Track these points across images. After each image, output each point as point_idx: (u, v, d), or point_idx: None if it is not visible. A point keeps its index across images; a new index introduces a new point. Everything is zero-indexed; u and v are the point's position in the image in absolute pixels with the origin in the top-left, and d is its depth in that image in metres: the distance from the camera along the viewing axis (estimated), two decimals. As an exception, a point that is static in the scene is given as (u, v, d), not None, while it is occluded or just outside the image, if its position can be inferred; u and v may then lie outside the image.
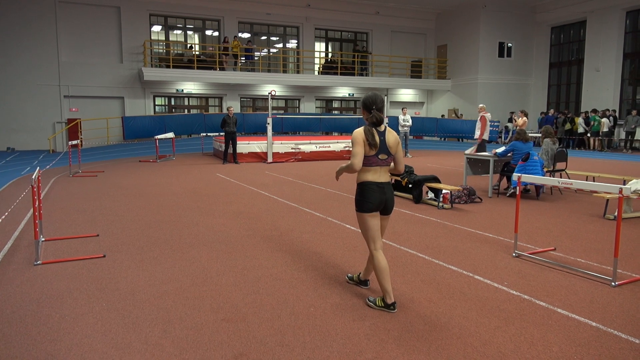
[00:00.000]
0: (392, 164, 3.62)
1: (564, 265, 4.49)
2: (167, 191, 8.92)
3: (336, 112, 25.85)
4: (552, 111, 21.79)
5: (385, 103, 16.60)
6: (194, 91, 21.92)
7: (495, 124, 12.35)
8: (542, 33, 23.85)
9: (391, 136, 3.50)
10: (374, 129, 3.43)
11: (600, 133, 18.93)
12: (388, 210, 3.58)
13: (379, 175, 3.49)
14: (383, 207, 3.53)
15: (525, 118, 13.69)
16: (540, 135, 10.00)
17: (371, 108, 3.45)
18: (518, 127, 11.65)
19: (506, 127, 22.21)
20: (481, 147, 11.44)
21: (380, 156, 3.45)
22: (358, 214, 3.54)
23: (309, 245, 5.21)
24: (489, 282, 4.08)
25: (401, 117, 16.43)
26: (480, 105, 12.15)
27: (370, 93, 3.52)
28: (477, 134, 12.02)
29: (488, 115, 11.99)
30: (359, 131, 3.43)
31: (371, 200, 3.45)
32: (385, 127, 3.51)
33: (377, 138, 3.40)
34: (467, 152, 9.74)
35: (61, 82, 19.28)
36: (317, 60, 24.71)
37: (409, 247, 5.13)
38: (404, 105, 22.47)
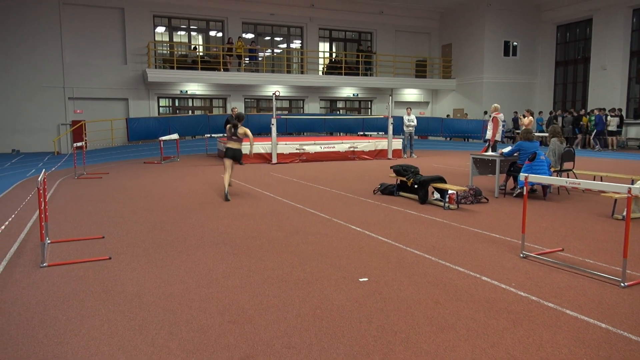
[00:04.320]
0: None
1: (572, 266, 4.46)
2: (172, 192, 8.94)
3: (340, 112, 25.85)
4: (540, 113, 21.92)
5: (390, 103, 16.60)
6: (198, 92, 21.98)
7: (502, 123, 12.30)
8: (547, 31, 23.75)
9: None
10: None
11: (606, 132, 18.89)
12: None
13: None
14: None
15: (531, 117, 13.63)
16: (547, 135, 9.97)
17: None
18: (524, 127, 11.61)
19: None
20: (493, 148, 11.43)
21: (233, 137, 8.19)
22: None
23: (315, 247, 5.21)
24: (496, 283, 4.06)
25: (406, 117, 16.39)
26: (494, 105, 12.04)
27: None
28: (489, 134, 11.97)
29: (500, 117, 11.93)
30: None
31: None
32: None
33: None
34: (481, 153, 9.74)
35: (65, 83, 19.37)
36: (321, 61, 24.71)
37: (415, 248, 5.11)
38: (408, 105, 22.42)
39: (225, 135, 10.12)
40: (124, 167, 13.69)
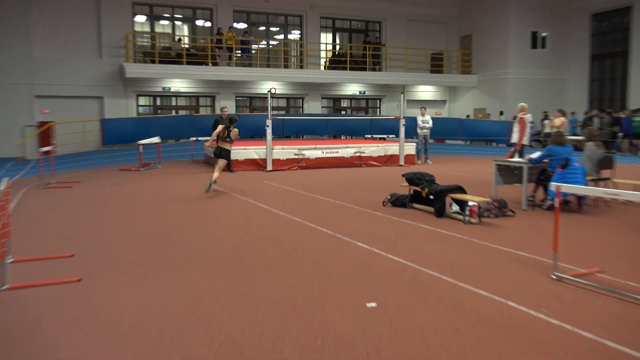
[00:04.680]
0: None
1: (611, 290, 4.44)
2: (152, 204, 8.95)
3: (345, 112, 25.92)
4: (574, 113, 22.05)
5: (402, 102, 16.64)
6: (182, 89, 22.08)
7: (530, 125, 12.27)
8: (581, 21, 23.84)
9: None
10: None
11: None
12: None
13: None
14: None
15: (563, 118, 13.63)
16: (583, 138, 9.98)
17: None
18: (555, 129, 11.62)
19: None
20: (520, 153, 11.42)
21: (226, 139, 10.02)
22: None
23: (316, 266, 5.20)
24: (524, 309, 4.04)
25: (420, 117, 16.41)
26: (521, 104, 12.03)
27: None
28: (515, 138, 11.96)
29: (528, 117, 11.90)
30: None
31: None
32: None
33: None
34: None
35: (32, 80, 19.42)
36: (323, 54, 24.84)
37: (430, 268, 5.10)
38: (422, 104, 22.43)
39: (210, 138, 10.63)
40: (98, 174, 13.71)
